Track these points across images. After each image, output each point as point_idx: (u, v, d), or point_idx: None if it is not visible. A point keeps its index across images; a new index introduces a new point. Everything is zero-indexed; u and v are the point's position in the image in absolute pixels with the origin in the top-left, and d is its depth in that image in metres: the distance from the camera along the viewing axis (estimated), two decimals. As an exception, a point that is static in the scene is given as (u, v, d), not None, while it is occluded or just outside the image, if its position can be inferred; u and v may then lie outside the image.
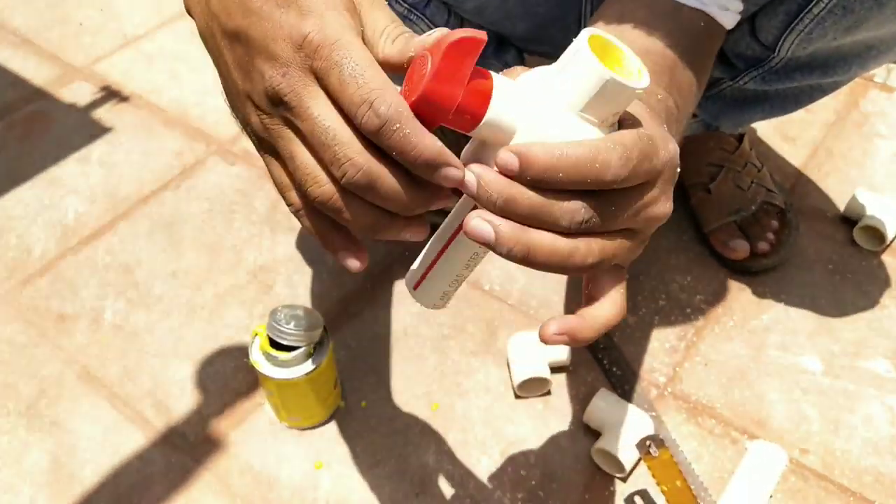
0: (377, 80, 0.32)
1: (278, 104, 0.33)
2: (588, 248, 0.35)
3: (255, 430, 0.72)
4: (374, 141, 0.32)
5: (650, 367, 0.76)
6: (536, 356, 0.73)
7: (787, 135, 1.01)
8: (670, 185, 0.37)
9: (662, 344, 0.78)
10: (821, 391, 0.74)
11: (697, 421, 0.72)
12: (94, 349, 0.79)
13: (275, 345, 0.65)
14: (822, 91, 0.77)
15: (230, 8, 0.35)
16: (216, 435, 0.72)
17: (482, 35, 0.31)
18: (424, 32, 0.34)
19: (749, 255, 0.84)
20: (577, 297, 0.82)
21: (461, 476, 0.68)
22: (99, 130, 1.04)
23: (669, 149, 0.37)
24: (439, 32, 0.33)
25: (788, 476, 0.68)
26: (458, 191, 0.35)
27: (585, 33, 0.33)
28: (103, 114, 1.06)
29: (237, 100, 0.37)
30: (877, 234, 0.86)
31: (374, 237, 0.35)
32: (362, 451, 0.70)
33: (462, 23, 0.80)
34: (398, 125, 0.31)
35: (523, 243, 0.33)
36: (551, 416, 0.72)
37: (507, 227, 0.33)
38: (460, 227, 0.36)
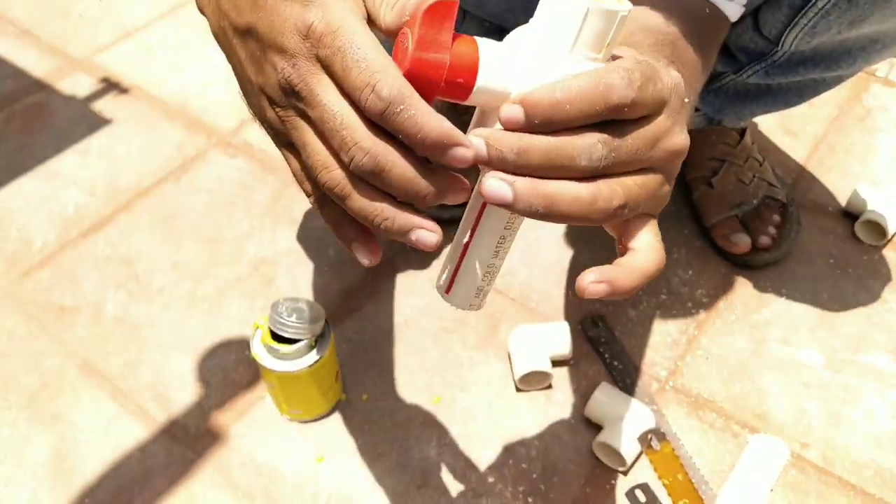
0: (379, 62, 0.31)
1: (290, 94, 0.34)
2: (611, 191, 0.33)
3: (256, 423, 0.72)
4: (380, 124, 0.32)
5: (651, 360, 0.76)
6: (538, 350, 0.73)
7: (789, 129, 1.00)
8: (681, 114, 0.36)
9: (664, 338, 0.78)
10: (822, 385, 0.74)
11: (699, 415, 0.72)
12: (94, 342, 0.79)
13: (276, 337, 0.65)
14: (826, 85, 0.77)
15: (239, 4, 0.35)
16: (217, 428, 0.72)
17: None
18: None
19: (751, 249, 0.83)
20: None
21: (463, 469, 0.69)
22: (99, 122, 1.04)
23: (672, 75, 0.36)
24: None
25: (789, 470, 0.68)
26: (470, 174, 0.34)
27: None
28: (103, 105, 1.06)
29: (252, 95, 0.37)
30: (878, 229, 0.86)
31: (383, 232, 0.34)
32: (364, 444, 0.70)
33: (465, 15, 0.80)
34: (402, 106, 0.31)
35: (543, 195, 0.32)
36: (552, 410, 0.72)
37: (523, 182, 0.32)
38: (480, 214, 0.36)
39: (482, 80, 0.32)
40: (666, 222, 0.88)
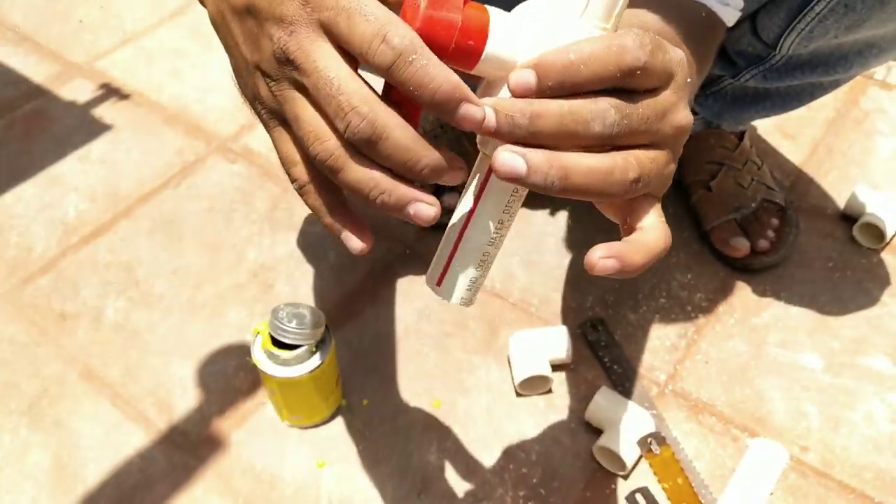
0: (388, 15, 0.31)
1: (286, 64, 0.33)
2: (626, 162, 0.33)
3: (256, 430, 0.72)
4: (389, 78, 0.31)
5: (651, 364, 0.76)
6: (537, 354, 0.73)
7: (787, 132, 1.01)
8: (685, 92, 0.35)
9: (663, 342, 0.78)
10: (821, 389, 0.74)
11: (698, 419, 0.72)
12: (95, 348, 0.79)
13: (277, 343, 0.65)
14: (824, 89, 0.77)
15: None
16: (218, 434, 0.72)
17: None
18: None
19: (749, 252, 0.84)
20: (577, 297, 0.82)
21: (463, 474, 0.69)
22: (99, 128, 1.04)
23: (677, 52, 0.35)
24: None
25: (788, 473, 0.68)
26: (470, 149, 0.34)
27: None
28: (104, 111, 1.06)
29: (248, 78, 0.36)
30: (876, 232, 0.86)
31: (379, 207, 0.33)
32: (364, 449, 0.71)
33: None
34: (413, 56, 0.30)
35: (559, 166, 0.31)
36: (552, 414, 0.72)
37: (538, 154, 0.31)
38: (479, 196, 0.35)
39: (491, 47, 0.32)
40: (665, 226, 0.88)
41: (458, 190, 0.90)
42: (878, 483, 0.68)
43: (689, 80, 0.35)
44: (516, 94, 0.32)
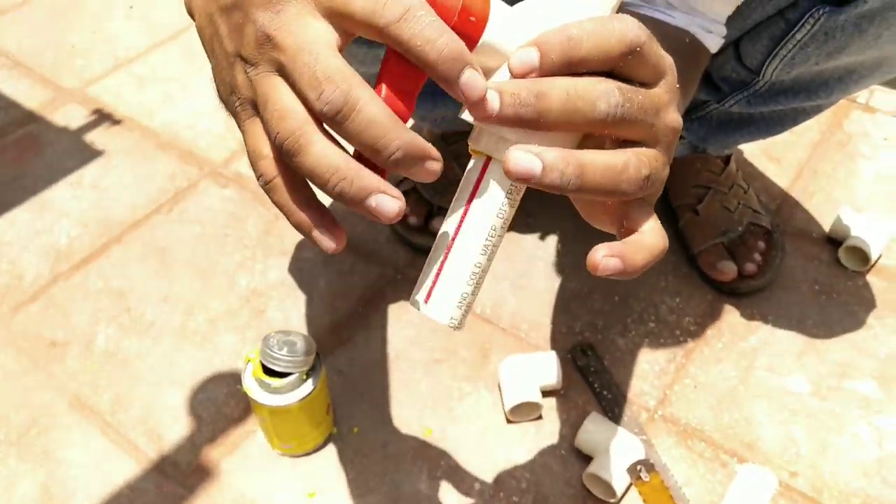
0: None
1: (265, 43, 0.31)
2: (638, 158, 0.33)
3: (247, 458, 0.72)
4: (396, 36, 0.29)
5: (640, 389, 0.77)
6: (527, 380, 0.74)
7: (772, 155, 1.02)
8: (675, 95, 0.35)
9: (652, 366, 0.79)
10: (809, 413, 0.75)
11: (687, 444, 0.73)
12: (85, 376, 0.79)
13: (267, 371, 0.65)
14: (806, 114, 0.79)
15: None
16: (208, 463, 0.72)
17: None
18: None
19: (737, 276, 0.85)
20: (567, 321, 0.83)
21: (454, 502, 0.69)
22: (91, 154, 1.04)
23: (668, 55, 0.35)
24: None
25: (778, 499, 0.68)
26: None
27: None
28: (96, 137, 1.07)
29: (227, 72, 0.35)
30: (861, 255, 0.87)
31: (338, 197, 0.31)
32: (355, 478, 0.71)
33: None
34: (422, 13, 0.29)
35: (575, 163, 0.31)
36: (543, 441, 0.73)
37: (552, 151, 0.31)
38: (469, 202, 0.34)
39: (489, 34, 0.31)
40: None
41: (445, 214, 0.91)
42: (866, 507, 0.68)
43: (677, 85, 0.36)
44: (517, 75, 0.31)
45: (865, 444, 0.72)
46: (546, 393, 0.75)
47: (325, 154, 0.30)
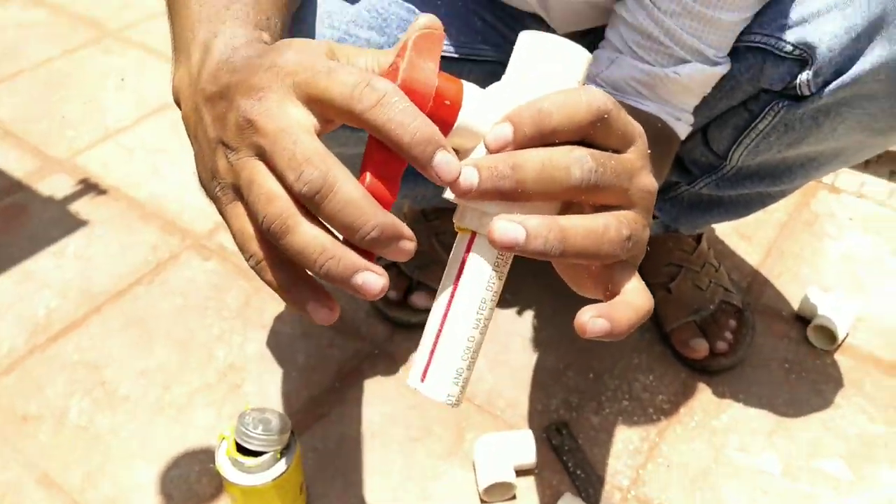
0: (367, 71, 0.32)
1: (247, 127, 0.33)
2: (617, 220, 0.34)
3: (218, 538, 0.71)
4: (371, 120, 0.31)
5: (614, 469, 0.77)
6: (502, 460, 0.74)
7: (743, 233, 1.05)
8: (647, 160, 0.36)
9: (626, 445, 0.79)
10: (779, 493, 0.75)
11: (660, 525, 0.73)
12: (56, 452, 0.78)
13: (242, 449, 0.65)
14: (772, 198, 0.82)
15: (218, 73, 0.37)
16: (178, 543, 0.71)
17: (439, 27, 0.33)
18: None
19: (709, 354, 0.86)
20: (542, 398, 0.84)
21: (426, 585, 0.68)
22: (76, 224, 1.06)
23: (637, 123, 0.36)
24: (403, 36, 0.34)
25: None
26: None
27: (524, 34, 0.36)
28: (81, 207, 1.08)
29: (209, 159, 0.36)
30: (829, 334, 0.89)
31: (325, 276, 0.32)
32: (327, 559, 0.70)
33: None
34: (396, 98, 0.31)
35: (557, 228, 0.32)
36: (517, 521, 0.73)
37: (534, 219, 0.32)
38: (458, 278, 0.35)
39: (464, 117, 0.33)
40: (627, 326, 0.90)
41: (425, 289, 0.92)
42: (838, 592, 0.68)
43: (648, 151, 0.36)
44: (493, 150, 0.33)
45: (836, 527, 0.73)
46: (521, 472, 0.75)
47: (312, 234, 0.31)
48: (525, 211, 0.33)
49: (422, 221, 0.96)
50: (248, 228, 0.35)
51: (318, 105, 0.33)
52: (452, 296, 0.35)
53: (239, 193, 0.35)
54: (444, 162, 0.31)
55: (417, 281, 0.92)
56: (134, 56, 1.41)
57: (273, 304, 0.94)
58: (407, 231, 0.32)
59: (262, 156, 0.33)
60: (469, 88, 0.34)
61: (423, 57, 0.32)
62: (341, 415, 0.82)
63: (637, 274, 0.37)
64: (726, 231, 1.05)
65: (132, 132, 1.23)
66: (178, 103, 0.41)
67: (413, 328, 0.90)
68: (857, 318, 0.92)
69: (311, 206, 0.31)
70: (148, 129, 1.24)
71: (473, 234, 0.35)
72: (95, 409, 0.82)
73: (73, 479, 0.76)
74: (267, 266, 0.34)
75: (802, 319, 0.92)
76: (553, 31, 0.70)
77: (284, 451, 0.67)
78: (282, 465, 0.66)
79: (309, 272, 0.33)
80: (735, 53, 0.63)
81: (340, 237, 0.32)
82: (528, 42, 0.35)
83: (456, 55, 0.72)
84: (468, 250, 0.35)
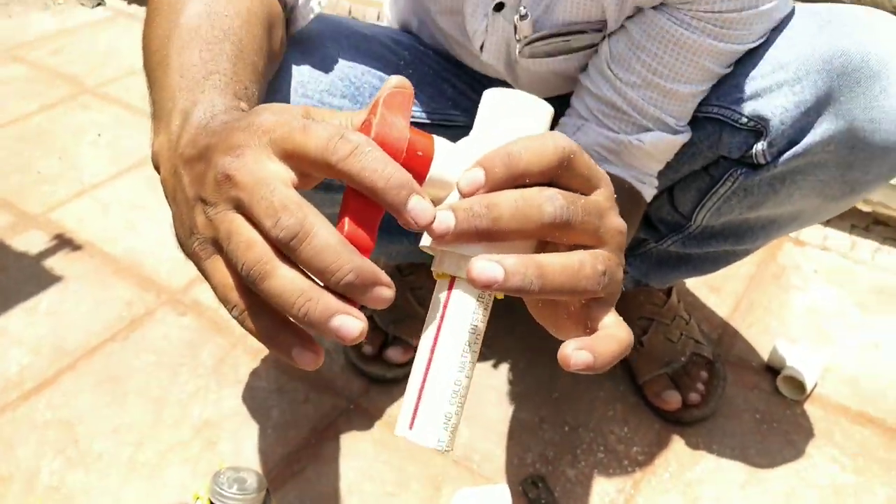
0: (341, 126, 0.33)
1: (224, 182, 0.34)
2: (592, 257, 0.34)
3: None
4: (346, 170, 0.32)
5: (591, 523, 0.77)
6: (479, 515, 0.74)
7: (713, 286, 1.08)
8: (614, 205, 0.37)
9: (602, 498, 0.80)
10: (755, 545, 0.76)
11: (638, 580, 0.73)
12: (25, 514, 0.76)
13: (216, 511, 0.65)
14: (737, 256, 0.85)
15: (197, 138, 0.38)
16: None
17: (409, 87, 0.35)
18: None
19: (681, 405, 0.88)
20: (518, 451, 0.84)
21: None
22: (50, 279, 1.05)
23: (602, 170, 0.37)
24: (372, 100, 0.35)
25: None
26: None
27: (489, 91, 0.38)
28: (55, 263, 1.08)
29: (187, 216, 0.37)
30: (798, 384, 0.91)
31: (303, 319, 0.32)
32: None
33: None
34: (370, 148, 0.32)
35: (534, 265, 0.33)
36: (494, 579, 0.72)
37: (511, 257, 0.33)
38: (441, 324, 0.35)
39: (436, 169, 0.34)
40: (601, 378, 0.92)
41: (401, 343, 0.93)
42: None
43: (614, 195, 0.37)
44: (466, 194, 0.34)
45: (811, 578, 0.73)
46: (498, 528, 0.75)
47: (291, 278, 0.32)
48: (502, 251, 0.34)
49: (397, 277, 0.97)
50: (228, 280, 0.35)
51: (295, 159, 0.34)
52: (436, 341, 0.35)
53: (218, 246, 0.35)
54: (419, 206, 0.32)
55: (393, 336, 0.93)
56: (112, 112, 1.42)
57: (248, 359, 0.94)
58: (384, 277, 0.33)
59: (241, 208, 0.34)
60: (440, 142, 0.36)
61: (394, 113, 0.34)
62: (317, 472, 0.81)
63: (614, 310, 0.37)
64: (696, 283, 1.08)
65: (108, 187, 1.24)
66: (157, 168, 0.43)
67: (389, 383, 0.91)
68: (824, 368, 0.94)
69: (288, 251, 0.32)
70: (124, 185, 1.24)
71: (453, 279, 0.36)
72: (67, 467, 0.81)
73: (41, 543, 0.74)
74: (248, 315, 0.35)
75: (772, 370, 0.94)
76: None
77: (260, 511, 0.66)
78: (257, 525, 0.65)
79: (290, 317, 0.33)
80: (695, 122, 0.67)
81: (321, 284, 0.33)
82: (493, 98, 0.38)
83: (428, 121, 0.75)
84: (449, 295, 0.35)
